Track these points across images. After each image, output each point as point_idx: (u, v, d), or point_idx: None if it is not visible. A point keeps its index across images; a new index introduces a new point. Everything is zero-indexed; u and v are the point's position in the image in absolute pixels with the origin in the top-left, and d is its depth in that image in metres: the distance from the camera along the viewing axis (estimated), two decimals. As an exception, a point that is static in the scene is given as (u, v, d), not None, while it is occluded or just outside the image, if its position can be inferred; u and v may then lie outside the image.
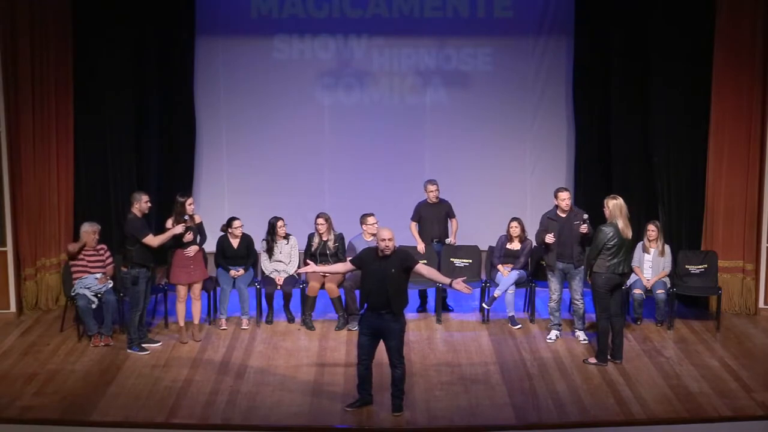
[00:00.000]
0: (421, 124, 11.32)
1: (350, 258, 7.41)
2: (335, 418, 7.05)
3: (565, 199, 8.77)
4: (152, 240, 8.47)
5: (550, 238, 8.77)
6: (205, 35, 10.94)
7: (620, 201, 8.15)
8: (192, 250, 8.80)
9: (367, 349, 7.06)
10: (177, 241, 8.74)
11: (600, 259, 8.06)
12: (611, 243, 8.00)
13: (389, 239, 6.90)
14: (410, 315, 9.62)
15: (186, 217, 8.69)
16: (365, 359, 7.08)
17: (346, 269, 7.57)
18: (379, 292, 6.91)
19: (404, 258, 7.00)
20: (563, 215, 8.77)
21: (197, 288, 8.89)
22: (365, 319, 7.03)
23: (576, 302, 8.87)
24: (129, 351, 8.45)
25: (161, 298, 9.45)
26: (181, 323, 8.86)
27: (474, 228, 10.44)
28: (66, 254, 9.05)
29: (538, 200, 11.13)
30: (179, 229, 8.61)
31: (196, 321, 8.94)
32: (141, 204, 8.49)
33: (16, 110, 9.37)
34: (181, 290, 8.83)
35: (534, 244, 9.48)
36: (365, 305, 7.05)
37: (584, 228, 8.57)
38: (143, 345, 8.55)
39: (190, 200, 8.82)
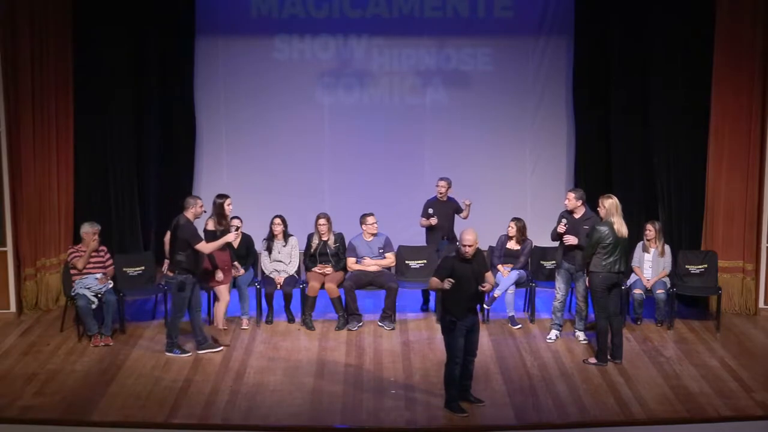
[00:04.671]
0: (421, 124, 11.34)
1: (437, 272, 7.15)
2: (335, 418, 7.05)
3: (567, 199, 8.75)
4: (204, 247, 8.27)
5: (561, 227, 8.72)
6: (205, 35, 10.96)
7: (615, 200, 8.15)
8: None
9: (462, 349, 7.18)
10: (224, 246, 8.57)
11: (596, 258, 8.06)
12: (607, 242, 8.01)
13: (470, 245, 7.05)
14: (411, 315, 9.64)
15: (238, 225, 8.54)
16: (460, 359, 7.18)
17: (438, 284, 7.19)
18: (474, 292, 7.11)
19: (483, 260, 7.29)
20: (576, 216, 8.72)
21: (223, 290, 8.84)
22: (462, 322, 7.08)
23: (579, 303, 8.85)
24: (169, 354, 8.32)
25: (161, 298, 9.44)
26: (221, 325, 8.73)
27: (474, 228, 10.42)
28: (74, 267, 8.94)
29: (538, 200, 11.15)
30: (232, 236, 8.45)
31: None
32: (196, 209, 8.28)
33: (16, 110, 9.36)
34: (224, 291, 8.72)
35: (534, 244, 9.49)
36: (456, 310, 7.06)
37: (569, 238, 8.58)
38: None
39: (228, 201, 8.66)
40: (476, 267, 7.15)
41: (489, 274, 7.42)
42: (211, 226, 8.62)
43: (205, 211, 8.46)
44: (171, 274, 8.36)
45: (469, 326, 7.17)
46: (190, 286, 8.30)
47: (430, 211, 9.78)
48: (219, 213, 8.60)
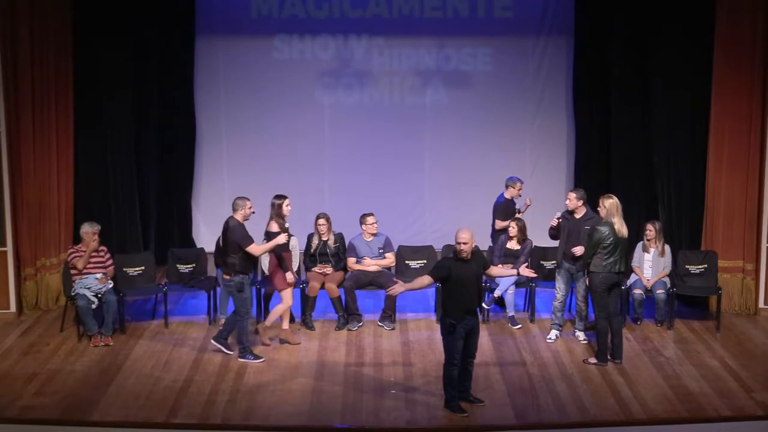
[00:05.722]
0: (421, 124, 11.34)
1: (432, 271, 7.19)
2: (335, 418, 7.05)
3: (568, 199, 8.74)
4: (255, 249, 8.18)
5: (554, 221, 8.73)
6: (205, 35, 10.96)
7: (615, 200, 8.15)
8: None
9: (461, 351, 7.14)
10: (281, 248, 8.45)
11: (597, 258, 8.06)
12: (607, 242, 8.01)
13: (465, 242, 6.97)
14: (411, 315, 9.64)
15: (287, 225, 8.43)
16: (458, 361, 7.14)
17: (429, 282, 7.25)
18: (474, 294, 7.07)
19: (482, 260, 7.26)
20: (577, 216, 8.71)
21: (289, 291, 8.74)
22: (462, 324, 7.02)
23: (579, 303, 8.85)
24: (242, 360, 8.20)
25: (161, 298, 9.43)
26: (268, 324, 8.64)
27: (474, 228, 10.39)
28: (74, 267, 8.90)
29: (538, 200, 11.12)
30: (283, 238, 8.29)
31: (271, 322, 8.76)
32: (245, 210, 8.17)
33: (16, 110, 9.36)
34: (286, 294, 8.60)
35: (534, 244, 9.49)
36: (454, 312, 7.02)
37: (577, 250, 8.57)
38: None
39: (286, 201, 8.51)
40: (475, 267, 7.09)
41: (494, 268, 7.53)
42: (275, 228, 8.42)
43: (253, 212, 8.33)
44: (227, 277, 8.23)
45: (469, 329, 7.12)
46: (248, 287, 8.25)
47: (519, 206, 9.52)
48: (278, 213, 8.46)
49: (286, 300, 8.63)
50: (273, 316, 8.69)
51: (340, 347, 8.65)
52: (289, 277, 8.58)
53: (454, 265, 7.03)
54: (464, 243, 6.98)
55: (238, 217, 8.19)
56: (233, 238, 8.11)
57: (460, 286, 7.00)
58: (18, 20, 9.24)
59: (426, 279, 7.19)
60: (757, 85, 9.40)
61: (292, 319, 9.38)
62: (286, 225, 8.53)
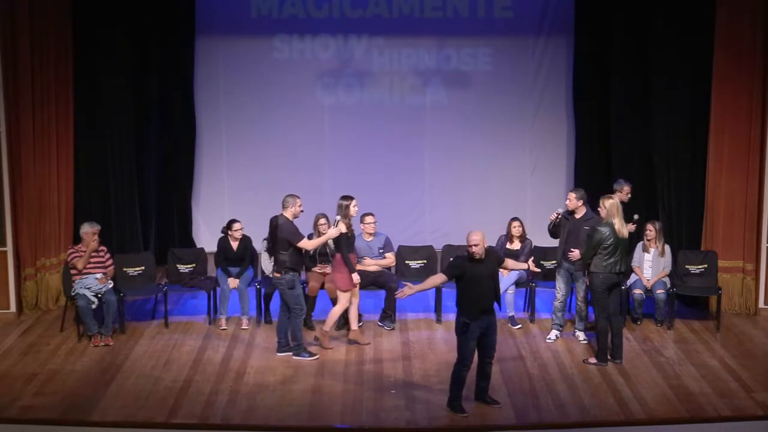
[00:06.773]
0: (421, 123, 11.33)
1: (446, 269, 7.16)
2: (335, 418, 7.05)
3: (568, 199, 8.75)
4: (307, 244, 8.23)
5: (553, 215, 8.74)
6: (205, 35, 10.96)
7: (616, 200, 8.17)
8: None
9: (474, 352, 7.11)
10: (348, 248, 8.44)
11: (597, 258, 8.07)
12: (608, 242, 8.01)
13: (476, 244, 6.97)
14: (411, 315, 9.63)
15: (337, 218, 8.39)
16: (470, 362, 7.10)
17: (442, 281, 7.25)
18: (490, 294, 7.07)
19: (496, 256, 7.31)
20: (577, 216, 8.71)
21: (356, 291, 8.71)
22: (475, 324, 6.99)
23: (579, 303, 8.86)
24: (296, 358, 8.20)
25: (161, 298, 9.43)
26: (327, 328, 8.60)
27: (473, 228, 10.40)
28: (74, 267, 8.91)
29: (538, 200, 11.14)
30: (334, 232, 8.30)
31: (356, 325, 8.77)
32: (295, 208, 8.20)
33: (16, 110, 9.36)
34: (344, 296, 8.60)
35: (534, 244, 9.48)
36: (469, 311, 6.99)
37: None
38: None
39: (353, 202, 8.49)
40: (490, 266, 7.10)
41: (509, 261, 7.66)
42: (343, 229, 8.40)
43: (302, 211, 8.33)
44: (278, 275, 8.25)
45: (484, 328, 7.07)
46: (299, 284, 8.27)
47: (636, 216, 9.27)
48: (344, 215, 8.44)
49: (342, 302, 8.60)
50: (331, 319, 8.64)
51: (340, 347, 8.65)
52: (356, 278, 8.53)
53: (469, 265, 7.04)
54: (475, 245, 6.99)
55: (288, 214, 8.21)
56: (283, 235, 8.14)
57: (475, 285, 7.00)
58: (18, 20, 9.24)
59: (439, 277, 7.18)
60: (757, 85, 9.41)
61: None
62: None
